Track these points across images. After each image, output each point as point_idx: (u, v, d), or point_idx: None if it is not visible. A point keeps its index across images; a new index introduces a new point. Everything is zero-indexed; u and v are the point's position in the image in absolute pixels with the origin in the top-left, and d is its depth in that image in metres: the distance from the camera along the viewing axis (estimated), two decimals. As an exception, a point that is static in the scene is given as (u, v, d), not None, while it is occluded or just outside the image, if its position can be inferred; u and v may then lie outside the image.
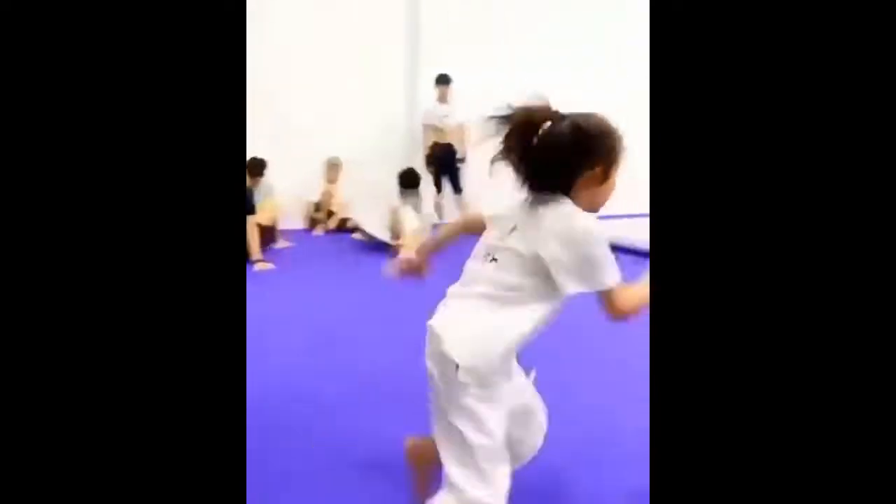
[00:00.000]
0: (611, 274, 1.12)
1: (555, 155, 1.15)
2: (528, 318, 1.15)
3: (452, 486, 1.12)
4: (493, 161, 1.19)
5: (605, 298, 1.14)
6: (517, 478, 1.25)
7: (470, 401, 1.12)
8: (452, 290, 1.25)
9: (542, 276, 1.13)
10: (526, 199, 1.22)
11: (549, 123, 1.15)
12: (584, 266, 1.11)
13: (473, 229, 1.34)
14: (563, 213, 1.15)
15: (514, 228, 1.19)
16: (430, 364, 1.18)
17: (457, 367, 1.10)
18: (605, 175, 1.18)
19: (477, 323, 1.15)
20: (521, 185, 1.20)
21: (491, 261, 1.19)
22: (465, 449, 1.12)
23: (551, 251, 1.11)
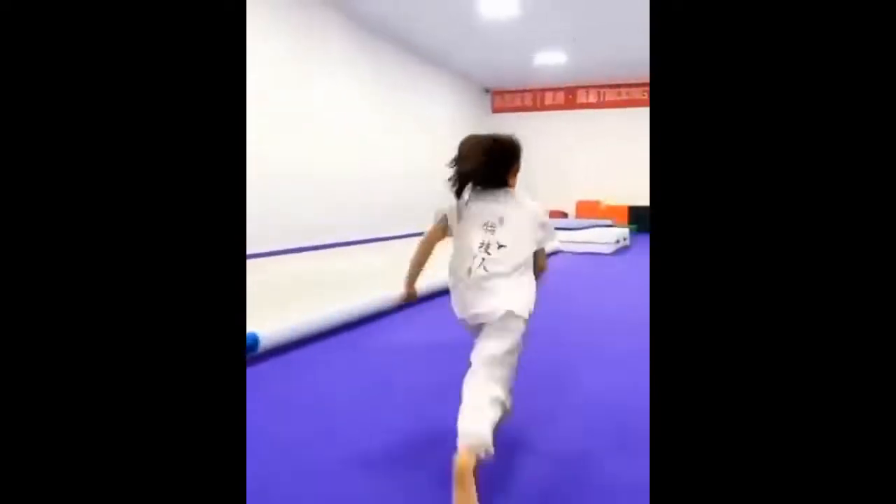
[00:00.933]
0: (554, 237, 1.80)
1: (503, 163, 1.73)
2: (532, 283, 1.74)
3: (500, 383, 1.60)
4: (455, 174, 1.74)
5: (542, 255, 1.78)
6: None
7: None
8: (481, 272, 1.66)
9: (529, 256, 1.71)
10: (477, 195, 1.75)
11: (489, 144, 1.70)
12: (549, 232, 1.78)
13: (438, 241, 1.86)
14: (529, 204, 1.76)
15: (498, 223, 1.69)
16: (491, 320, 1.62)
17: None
18: (518, 169, 1.79)
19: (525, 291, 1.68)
20: (476, 185, 1.74)
21: (497, 248, 1.67)
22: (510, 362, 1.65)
23: (537, 235, 1.74)
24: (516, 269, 1.65)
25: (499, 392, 1.55)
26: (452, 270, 1.72)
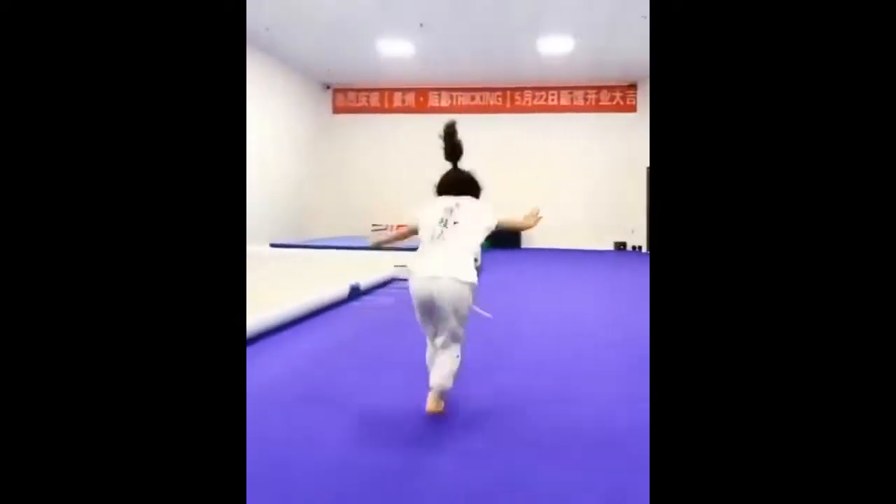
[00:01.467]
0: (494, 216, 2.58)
1: (472, 183, 2.72)
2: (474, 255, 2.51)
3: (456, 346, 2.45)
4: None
5: (504, 226, 2.62)
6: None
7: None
8: (431, 247, 2.42)
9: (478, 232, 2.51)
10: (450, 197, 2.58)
11: (457, 170, 2.73)
12: (492, 215, 2.56)
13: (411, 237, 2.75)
14: (480, 204, 2.61)
15: (456, 205, 2.49)
16: (438, 296, 2.33)
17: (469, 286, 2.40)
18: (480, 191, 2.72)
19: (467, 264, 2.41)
20: (448, 193, 2.63)
21: (453, 224, 2.43)
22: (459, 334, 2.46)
23: (484, 218, 2.53)
24: (464, 245, 2.41)
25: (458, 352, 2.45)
26: (421, 241, 2.47)
